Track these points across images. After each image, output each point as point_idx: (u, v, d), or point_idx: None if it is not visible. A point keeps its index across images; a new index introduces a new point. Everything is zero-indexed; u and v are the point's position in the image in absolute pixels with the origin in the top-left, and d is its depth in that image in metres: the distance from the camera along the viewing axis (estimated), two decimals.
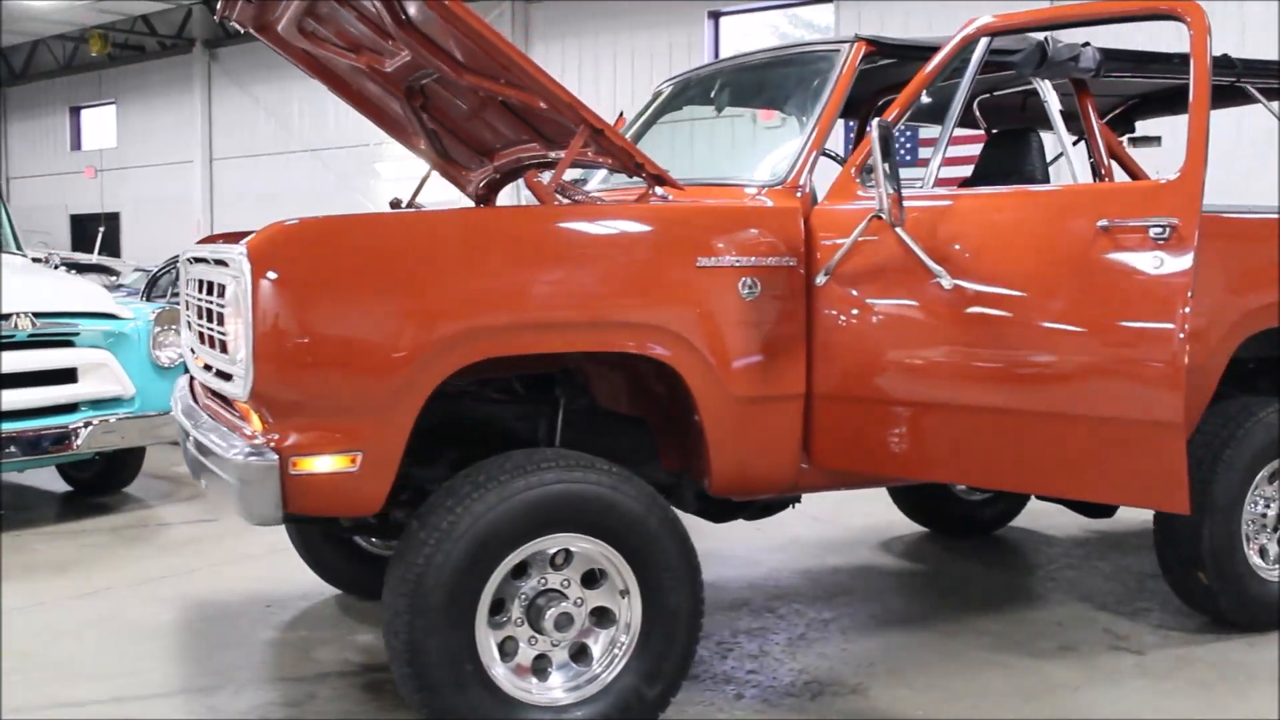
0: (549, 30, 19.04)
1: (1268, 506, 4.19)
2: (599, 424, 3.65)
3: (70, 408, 5.81)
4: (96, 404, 5.89)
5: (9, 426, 5.55)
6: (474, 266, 2.91)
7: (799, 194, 3.35)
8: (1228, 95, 4.65)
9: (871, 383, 3.21)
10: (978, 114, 5.38)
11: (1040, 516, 5.81)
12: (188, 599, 4.64)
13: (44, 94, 26.53)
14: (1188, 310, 2.75)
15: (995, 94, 5.21)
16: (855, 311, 3.22)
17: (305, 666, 3.87)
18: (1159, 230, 2.80)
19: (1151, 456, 2.83)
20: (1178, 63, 4.57)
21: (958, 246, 3.08)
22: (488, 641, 2.98)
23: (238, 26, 4.10)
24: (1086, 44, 3.86)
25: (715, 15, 17.30)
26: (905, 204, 3.11)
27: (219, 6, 4.09)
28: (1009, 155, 4.04)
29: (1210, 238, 3.88)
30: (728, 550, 5.41)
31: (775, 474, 3.34)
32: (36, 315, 5.67)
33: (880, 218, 3.03)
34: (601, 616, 3.15)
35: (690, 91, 4.42)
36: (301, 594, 4.62)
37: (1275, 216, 4.04)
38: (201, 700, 3.59)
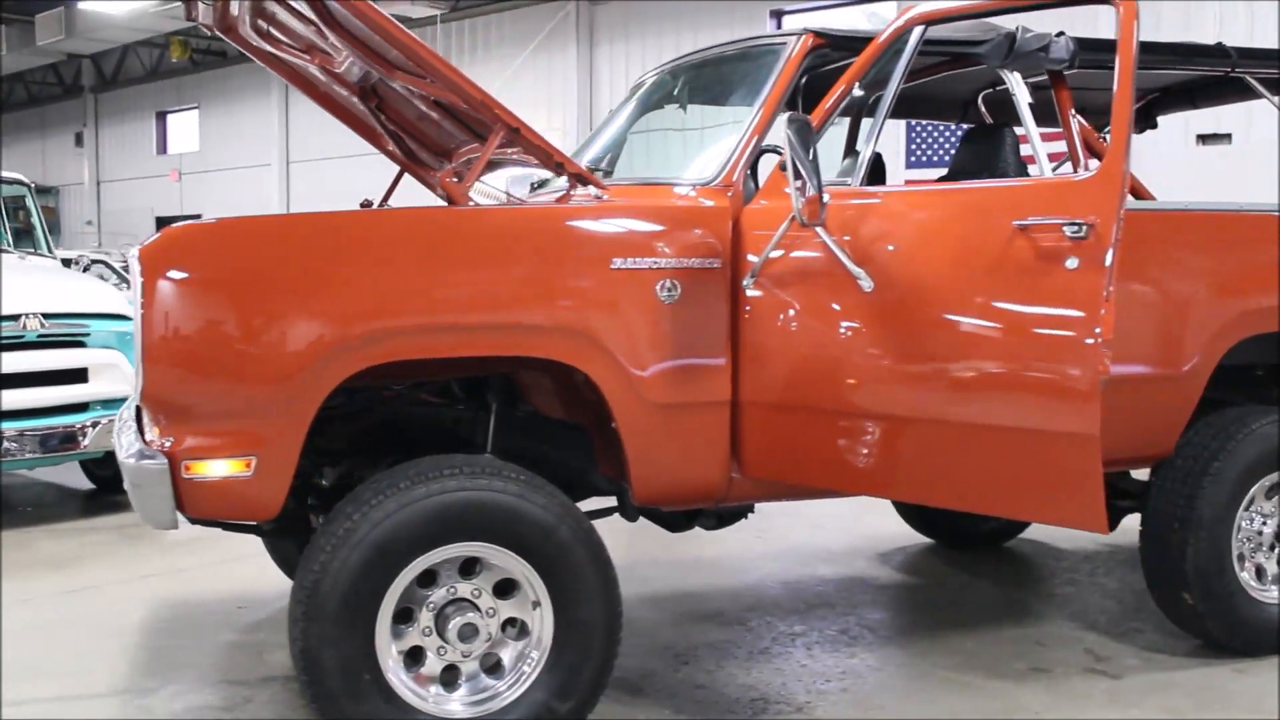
0: (614, 32, 19.05)
1: (1265, 523, 3.94)
2: (540, 429, 3.57)
3: (82, 407, 5.92)
4: (108, 403, 5.99)
5: (17, 425, 5.67)
6: (369, 269, 2.85)
7: (729, 193, 3.22)
8: (1225, 88, 4.40)
9: (799, 390, 3.07)
10: (983, 109, 5.19)
11: (1053, 528, 5.57)
12: (166, 598, 4.67)
13: (132, 100, 27.34)
14: (1103, 313, 2.56)
15: (998, 89, 5.01)
16: (781, 315, 3.08)
17: (253, 669, 3.86)
18: (1075, 230, 2.61)
19: (1066, 471, 2.65)
20: (1184, 53, 4.34)
21: (881, 248, 2.93)
22: (389, 651, 2.92)
23: (203, 29, 4.12)
24: (1061, 33, 3.66)
25: (777, 14, 17.12)
26: (835, 203, 2.98)
27: (185, 10, 4.11)
28: (982, 152, 3.86)
29: (1188, 237, 3.68)
30: (721, 557, 5.30)
31: (702, 484, 3.22)
32: (46, 316, 5.78)
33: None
34: (518, 629, 3.07)
35: (666, 86, 4.30)
36: (277, 594, 4.61)
37: (1266, 213, 3.79)
38: (139, 701, 3.59)
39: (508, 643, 3.05)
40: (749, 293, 3.11)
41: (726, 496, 3.30)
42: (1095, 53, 4.25)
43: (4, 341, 5.64)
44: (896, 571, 5.12)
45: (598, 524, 3.57)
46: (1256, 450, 3.81)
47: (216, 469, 2.81)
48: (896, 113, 5.34)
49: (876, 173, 4.60)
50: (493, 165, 3.98)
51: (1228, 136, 11.86)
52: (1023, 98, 3.58)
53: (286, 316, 2.79)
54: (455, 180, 3.17)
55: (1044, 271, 2.65)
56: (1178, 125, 11.90)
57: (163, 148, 27.35)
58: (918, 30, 3.15)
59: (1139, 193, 4.07)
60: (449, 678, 3.03)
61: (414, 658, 3.01)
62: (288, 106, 23.86)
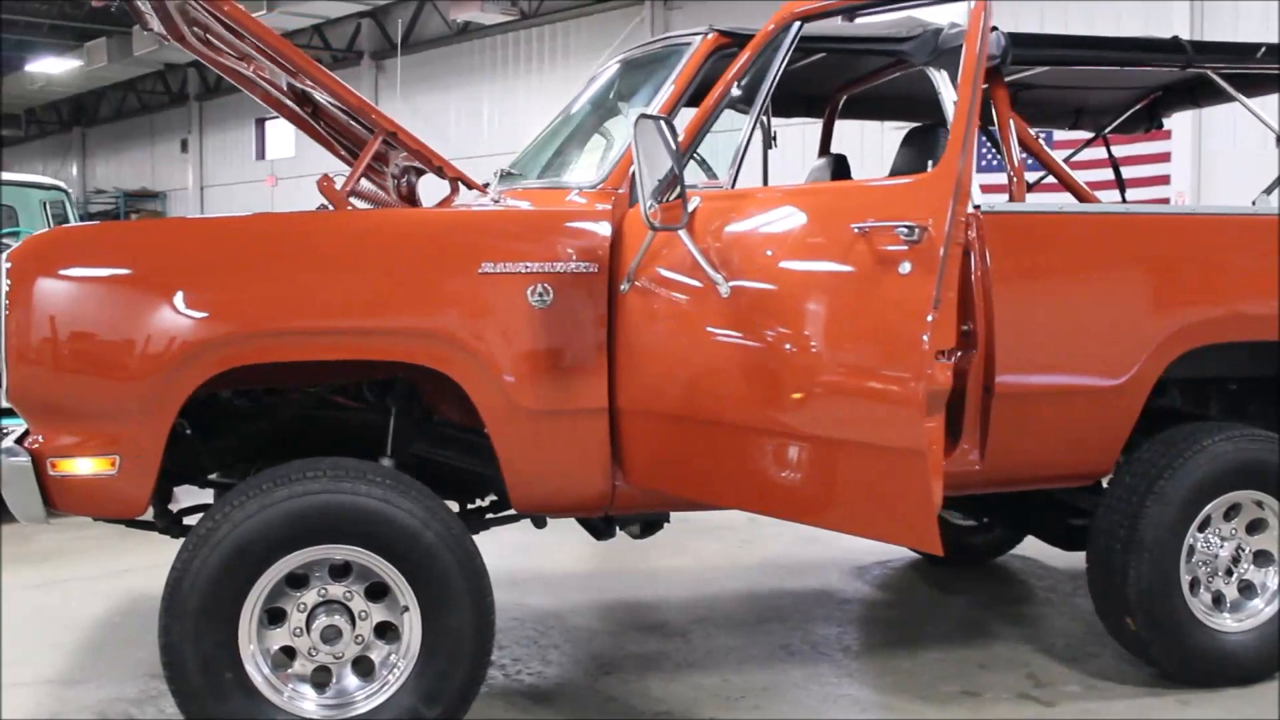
0: None
1: (1222, 546, 3.71)
2: (445, 436, 3.54)
3: None
4: None
5: (18, 422, 5.87)
6: (227, 274, 2.87)
7: (614, 196, 3.15)
8: (1187, 89, 4.17)
9: (670, 397, 2.99)
10: None
11: (1046, 546, 5.34)
12: (131, 593, 4.78)
13: (233, 107, 28.14)
14: (930, 319, 2.43)
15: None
16: (653, 321, 3.01)
17: None
18: (908, 233, 2.49)
19: (899, 488, 2.52)
20: (1130, 49, 4.13)
21: (740, 252, 2.84)
22: (251, 650, 2.93)
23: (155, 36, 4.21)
24: (994, 29, 3.52)
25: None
26: (706, 204, 2.91)
27: (139, 22, 4.21)
28: (917, 153, 3.72)
29: (1127, 242, 3.50)
30: (691, 568, 5.22)
31: (581, 492, 3.15)
32: None
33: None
34: (390, 633, 3.05)
35: (607, 85, 4.22)
36: None
37: (1216, 216, 3.59)
38: (60, 692, 3.68)
39: (376, 646, 3.04)
40: (625, 297, 3.05)
41: (612, 505, 3.23)
42: (1063, 49, 4.08)
43: None
44: (867, 586, 4.97)
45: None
46: (1209, 468, 3.59)
47: (82, 467, 2.87)
48: (872, 115, 5.23)
49: (841, 174, 4.49)
50: (420, 172, 3.99)
51: None
52: (948, 96, 3.46)
53: (144, 320, 2.82)
54: (330, 183, 3.17)
55: (880, 277, 2.53)
56: (1256, 129, 11.36)
57: (261, 153, 28.12)
58: (795, 25, 3.04)
59: (1081, 195, 3.87)
60: (322, 679, 3.03)
61: (291, 657, 3.02)
62: None
